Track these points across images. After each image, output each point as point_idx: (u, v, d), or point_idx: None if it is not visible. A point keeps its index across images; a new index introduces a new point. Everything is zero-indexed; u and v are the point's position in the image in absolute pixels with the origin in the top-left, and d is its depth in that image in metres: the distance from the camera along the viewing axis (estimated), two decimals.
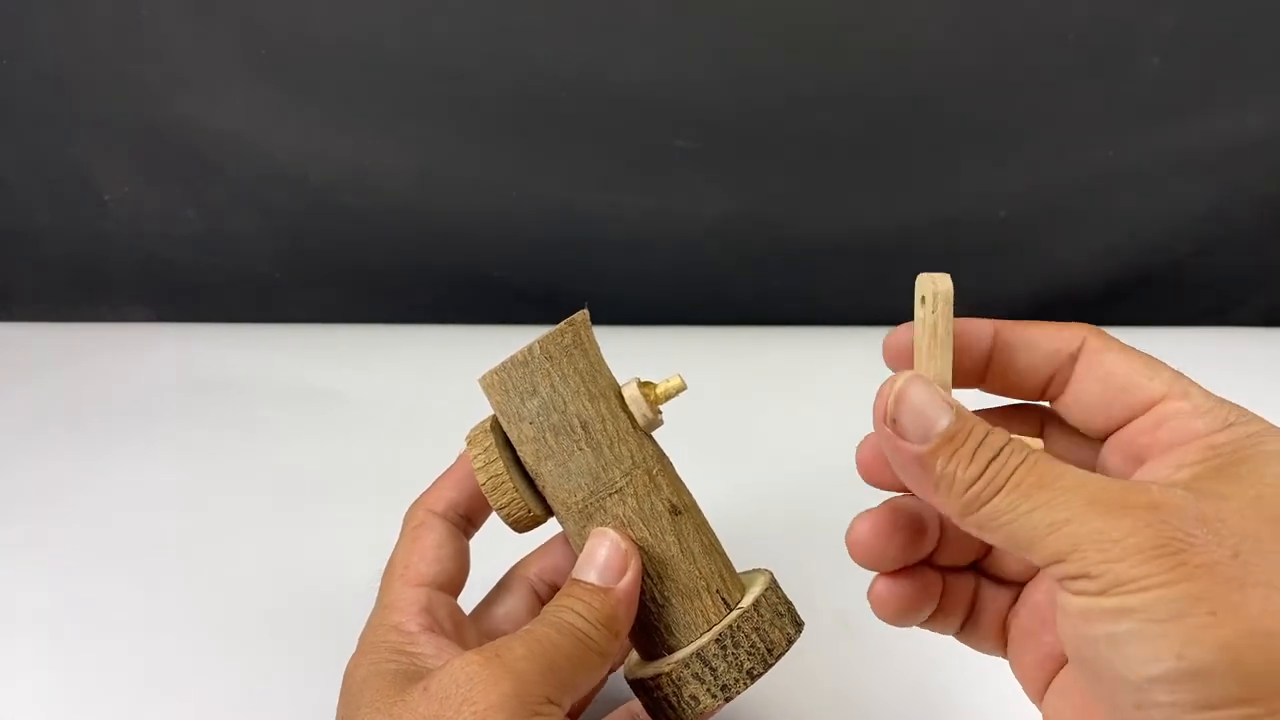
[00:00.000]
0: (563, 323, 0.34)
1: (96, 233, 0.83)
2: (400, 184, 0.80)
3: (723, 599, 0.34)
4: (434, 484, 0.38)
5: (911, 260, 0.81)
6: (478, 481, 0.34)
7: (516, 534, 0.35)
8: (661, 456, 0.35)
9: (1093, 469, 0.29)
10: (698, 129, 0.76)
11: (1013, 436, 0.26)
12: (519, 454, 0.34)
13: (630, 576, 0.32)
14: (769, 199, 0.79)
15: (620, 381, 0.35)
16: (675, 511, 0.33)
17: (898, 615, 0.32)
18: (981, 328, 0.30)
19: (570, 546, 0.37)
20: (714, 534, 0.35)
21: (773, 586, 0.34)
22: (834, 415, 0.54)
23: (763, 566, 0.37)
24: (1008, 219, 0.79)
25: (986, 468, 0.25)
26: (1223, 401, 0.27)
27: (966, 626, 0.33)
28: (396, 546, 0.36)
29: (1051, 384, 0.30)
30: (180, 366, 0.75)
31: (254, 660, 0.46)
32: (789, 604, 0.35)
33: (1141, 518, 0.23)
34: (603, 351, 0.35)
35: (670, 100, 0.75)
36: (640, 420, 0.34)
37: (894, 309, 0.81)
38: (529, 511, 0.34)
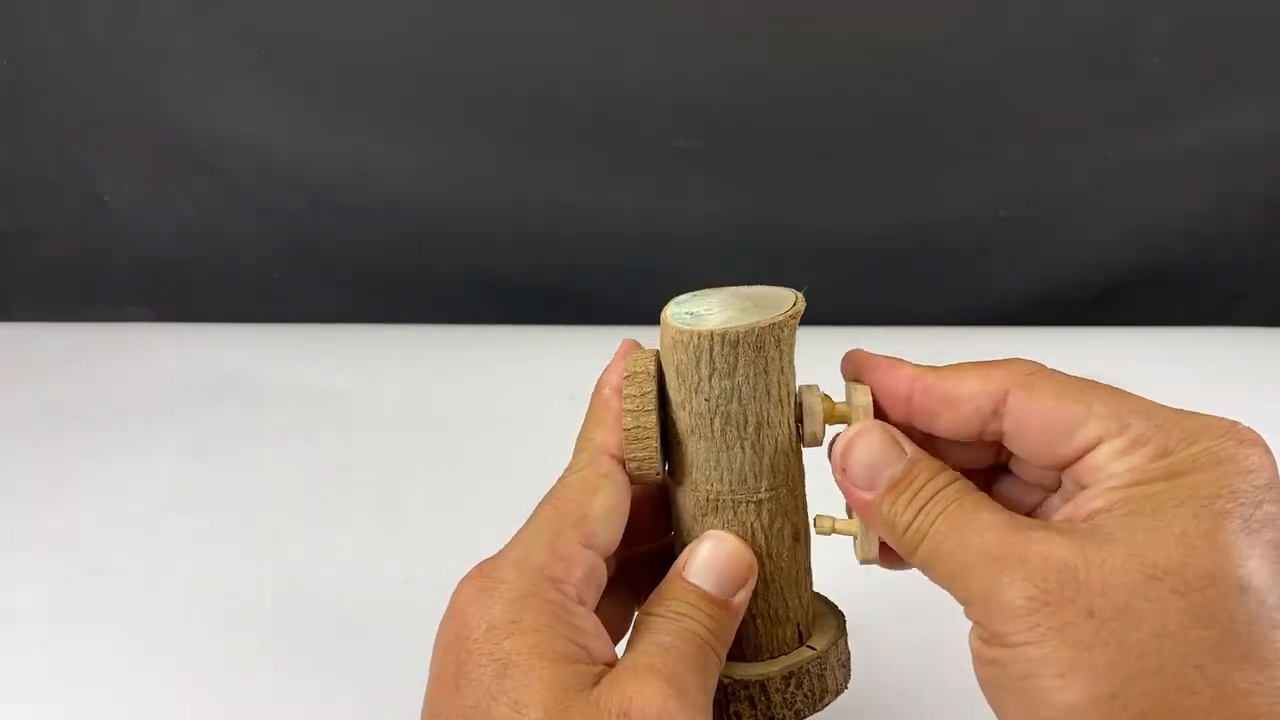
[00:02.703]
0: (785, 314, 0.29)
1: (96, 233, 0.83)
2: (401, 184, 0.80)
3: (800, 632, 0.33)
4: (600, 423, 0.32)
5: (912, 260, 0.82)
6: (623, 423, 0.30)
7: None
8: (803, 474, 0.32)
9: (1056, 487, 0.30)
10: (698, 129, 0.76)
11: (959, 478, 0.28)
12: (672, 414, 0.31)
13: (746, 593, 0.30)
14: (769, 199, 0.79)
15: (800, 382, 0.32)
16: (797, 538, 0.32)
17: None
18: (897, 387, 0.30)
19: (640, 503, 0.34)
20: (810, 562, 0.34)
21: (845, 634, 0.34)
22: None
23: (836, 603, 0.35)
24: (1008, 219, 0.79)
25: (918, 514, 0.27)
26: (1169, 424, 0.26)
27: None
28: (569, 485, 0.31)
29: (985, 435, 0.30)
30: (180, 366, 0.75)
31: (254, 659, 0.46)
32: (849, 654, 0.34)
33: (1012, 572, 0.24)
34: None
35: (670, 100, 0.75)
36: (806, 435, 0.31)
37: (894, 309, 0.82)
38: (657, 473, 0.31)
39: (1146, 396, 0.27)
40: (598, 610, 0.30)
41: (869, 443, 0.29)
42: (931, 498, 0.27)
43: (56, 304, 0.85)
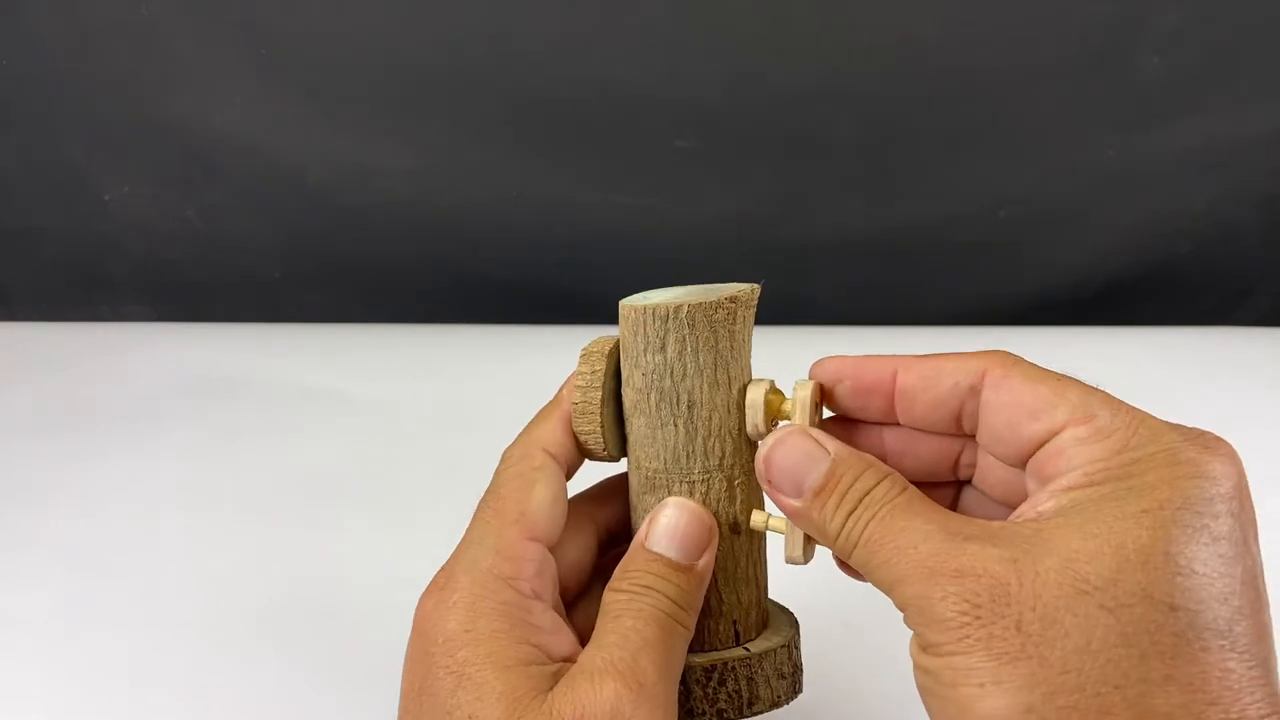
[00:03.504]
0: (724, 296, 0.30)
1: (96, 233, 0.83)
2: (400, 184, 0.80)
3: (736, 631, 0.32)
4: (544, 419, 0.33)
5: (912, 260, 0.82)
6: (572, 397, 0.32)
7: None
8: (751, 470, 0.32)
9: (1020, 488, 0.29)
10: (698, 129, 0.76)
11: (887, 475, 0.28)
12: (622, 392, 0.32)
13: (710, 556, 0.31)
14: (769, 199, 0.79)
15: (756, 375, 0.32)
16: (735, 530, 0.32)
17: None
18: (882, 369, 0.31)
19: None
20: (764, 565, 0.33)
21: (789, 646, 0.33)
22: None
23: (793, 612, 0.35)
24: (1008, 219, 0.79)
25: (847, 519, 0.27)
26: (1136, 421, 0.26)
27: None
28: (505, 483, 0.31)
29: (963, 418, 0.30)
30: (180, 366, 0.75)
31: (253, 660, 0.46)
32: (796, 669, 0.33)
33: (946, 585, 0.24)
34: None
35: (670, 100, 0.75)
36: (749, 428, 0.31)
37: (893, 309, 0.82)
38: (604, 448, 0.32)
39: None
40: (583, 610, 0.31)
41: (789, 448, 0.29)
42: (859, 501, 0.27)
43: (56, 304, 0.86)
